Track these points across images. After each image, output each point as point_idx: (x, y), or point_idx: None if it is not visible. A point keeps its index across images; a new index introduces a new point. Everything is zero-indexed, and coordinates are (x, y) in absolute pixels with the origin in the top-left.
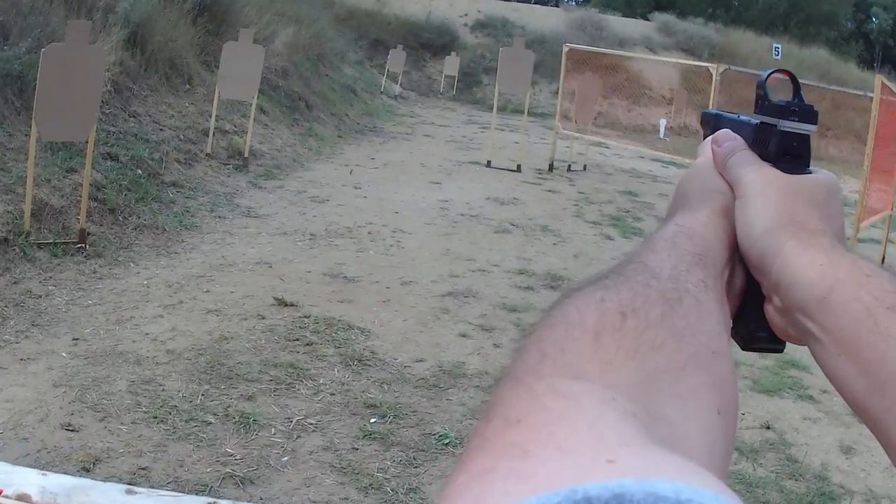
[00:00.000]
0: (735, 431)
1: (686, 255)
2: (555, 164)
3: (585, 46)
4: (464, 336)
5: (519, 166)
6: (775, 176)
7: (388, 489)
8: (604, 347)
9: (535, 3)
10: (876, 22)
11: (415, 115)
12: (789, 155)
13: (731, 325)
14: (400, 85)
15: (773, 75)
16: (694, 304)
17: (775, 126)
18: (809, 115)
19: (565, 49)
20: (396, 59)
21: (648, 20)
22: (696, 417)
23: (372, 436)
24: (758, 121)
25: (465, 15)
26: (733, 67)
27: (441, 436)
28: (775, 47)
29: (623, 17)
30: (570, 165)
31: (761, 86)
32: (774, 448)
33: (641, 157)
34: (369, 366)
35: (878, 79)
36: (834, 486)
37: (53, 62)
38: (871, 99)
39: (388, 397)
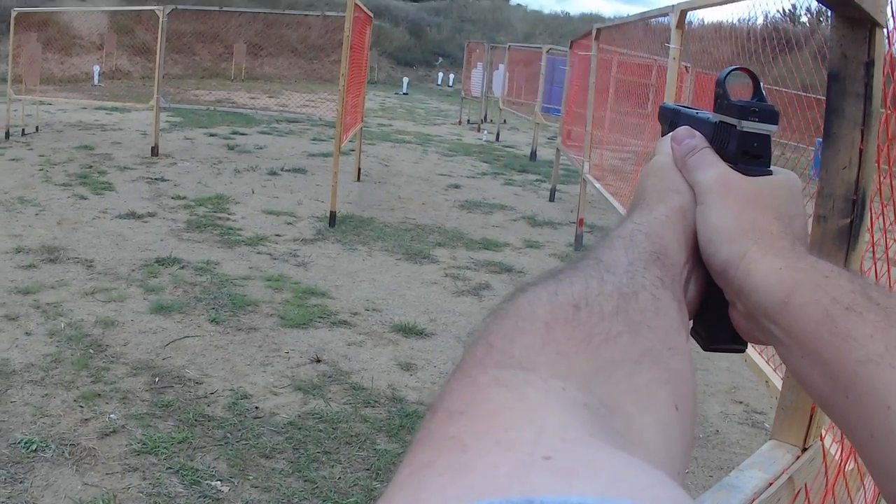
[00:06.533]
0: (693, 429)
1: (643, 253)
2: (10, 130)
3: (34, 8)
4: None
5: None
6: (735, 179)
7: None
8: (554, 338)
9: None
10: None
11: None
12: (749, 155)
13: (691, 325)
14: None
15: (732, 73)
16: (650, 300)
17: (735, 126)
18: (770, 116)
19: (14, 13)
20: None
21: None
22: (652, 411)
23: None
24: (717, 119)
25: None
26: (181, 6)
27: (27, 442)
28: None
29: None
30: (23, 130)
31: (720, 84)
32: (335, 380)
33: (84, 109)
34: None
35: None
36: (413, 405)
37: None
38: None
39: None
